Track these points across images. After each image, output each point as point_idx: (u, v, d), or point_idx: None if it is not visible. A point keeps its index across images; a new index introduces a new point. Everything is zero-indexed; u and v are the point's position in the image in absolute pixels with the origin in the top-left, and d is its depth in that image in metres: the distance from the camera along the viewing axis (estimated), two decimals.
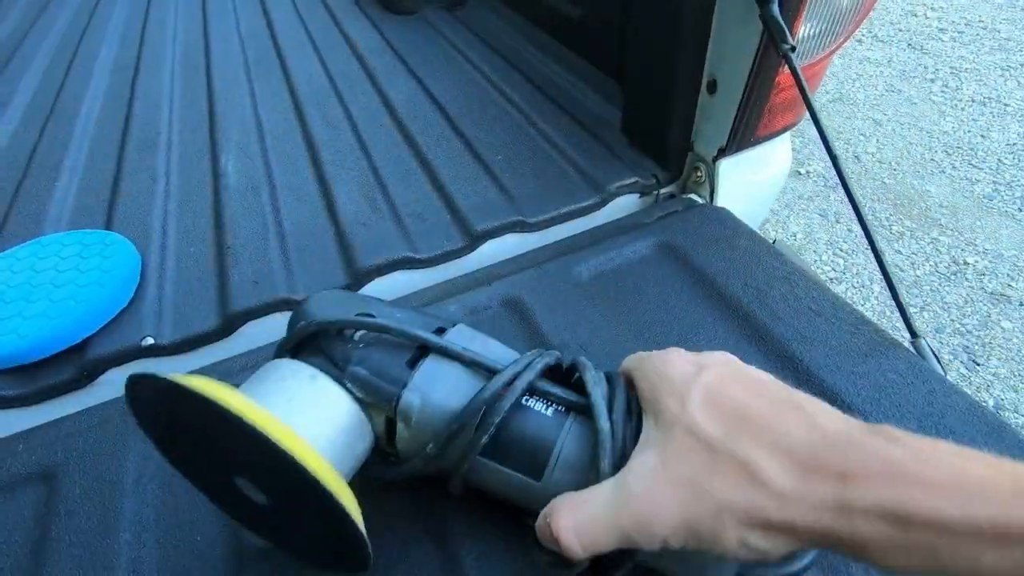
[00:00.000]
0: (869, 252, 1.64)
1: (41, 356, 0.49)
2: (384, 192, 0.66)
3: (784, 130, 0.60)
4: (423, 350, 0.31)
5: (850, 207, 0.43)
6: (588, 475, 0.27)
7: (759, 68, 0.51)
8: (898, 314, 0.41)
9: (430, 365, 0.30)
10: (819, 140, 0.42)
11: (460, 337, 0.31)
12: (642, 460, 0.24)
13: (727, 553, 0.22)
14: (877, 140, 1.98)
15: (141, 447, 0.41)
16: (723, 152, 0.58)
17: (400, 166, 0.70)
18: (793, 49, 0.46)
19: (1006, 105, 2.08)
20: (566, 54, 0.89)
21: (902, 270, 1.53)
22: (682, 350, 0.29)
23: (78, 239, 0.58)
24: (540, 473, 0.28)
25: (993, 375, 1.29)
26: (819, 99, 2.16)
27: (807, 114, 0.64)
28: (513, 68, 0.89)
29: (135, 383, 0.26)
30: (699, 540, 0.22)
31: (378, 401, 0.30)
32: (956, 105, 2.11)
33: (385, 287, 0.56)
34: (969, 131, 1.98)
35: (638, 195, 0.64)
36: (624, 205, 0.64)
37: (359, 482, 0.30)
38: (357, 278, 0.56)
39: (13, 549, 0.36)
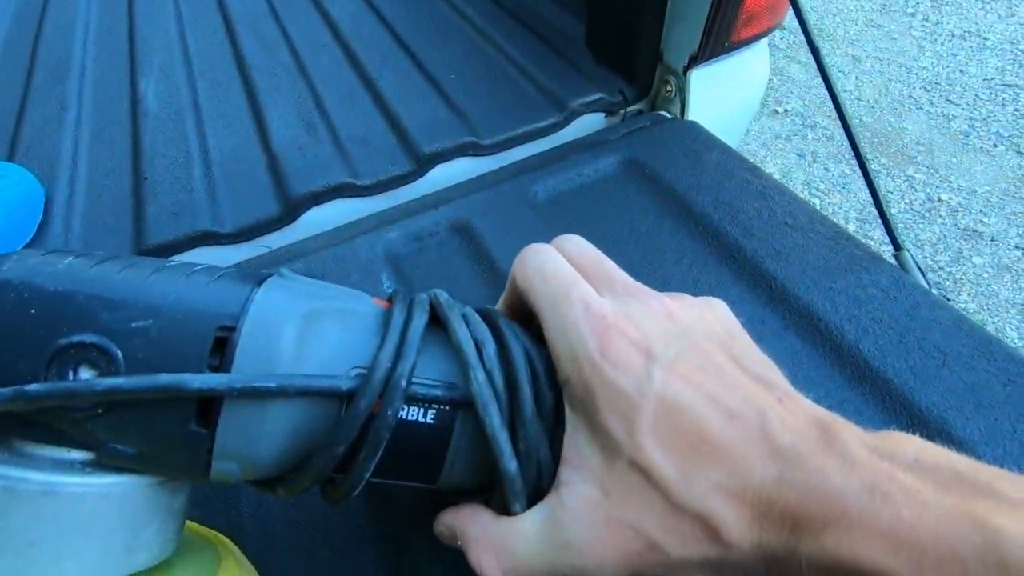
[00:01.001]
0: (845, 192, 1.62)
1: None
2: (323, 115, 0.59)
3: (761, 35, 0.54)
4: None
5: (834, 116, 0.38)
6: (491, 468, 0.22)
7: None
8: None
9: (233, 416, 0.19)
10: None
11: (270, 314, 0.19)
12: (578, 493, 0.20)
13: None
14: (856, 77, 1.93)
15: None
16: (695, 61, 0.53)
17: (342, 87, 0.63)
18: None
19: (985, 39, 2.04)
20: None
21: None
22: (619, 283, 0.23)
23: None
24: (434, 479, 0.23)
25: (963, 310, 1.29)
26: (796, 38, 2.09)
27: (779, 26, 0.59)
28: None
29: None
30: None
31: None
32: (936, 40, 2.05)
33: (323, 216, 0.51)
34: (948, 66, 1.94)
35: (603, 114, 0.59)
36: (588, 125, 0.58)
37: None
38: (290, 207, 0.50)
39: None
